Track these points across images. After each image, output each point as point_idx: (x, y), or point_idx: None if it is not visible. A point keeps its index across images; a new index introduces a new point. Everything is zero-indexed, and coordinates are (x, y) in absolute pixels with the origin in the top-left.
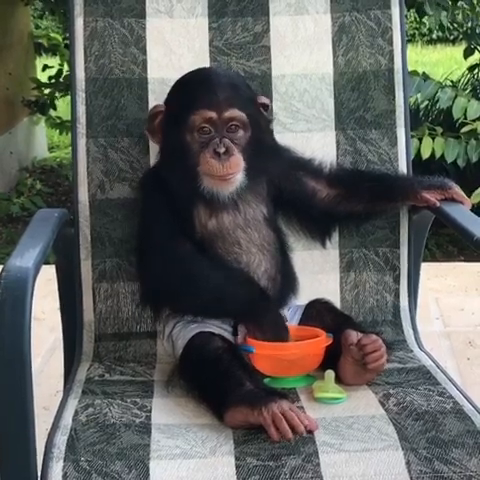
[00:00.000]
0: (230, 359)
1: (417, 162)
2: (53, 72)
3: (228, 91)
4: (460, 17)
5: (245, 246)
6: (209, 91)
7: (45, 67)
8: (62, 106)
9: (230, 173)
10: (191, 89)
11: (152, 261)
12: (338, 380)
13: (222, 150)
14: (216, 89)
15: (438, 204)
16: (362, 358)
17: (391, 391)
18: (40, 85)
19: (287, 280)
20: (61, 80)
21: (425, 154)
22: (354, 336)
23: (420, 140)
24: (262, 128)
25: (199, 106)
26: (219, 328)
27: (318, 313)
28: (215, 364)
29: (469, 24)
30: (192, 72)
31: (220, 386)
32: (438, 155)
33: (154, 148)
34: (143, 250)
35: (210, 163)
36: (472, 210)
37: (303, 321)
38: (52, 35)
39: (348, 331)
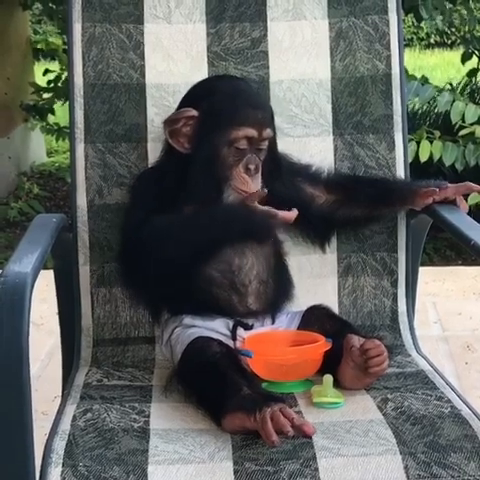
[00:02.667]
0: (228, 364)
1: (415, 165)
2: (53, 76)
3: (267, 110)
4: (457, 21)
5: (238, 248)
6: (253, 108)
7: (46, 71)
8: (60, 110)
9: (256, 190)
10: (234, 102)
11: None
12: (336, 384)
13: (253, 167)
14: (258, 107)
15: (438, 198)
16: (364, 362)
17: (389, 396)
18: (39, 89)
19: (281, 284)
20: (59, 85)
21: (423, 157)
22: (356, 340)
23: (418, 143)
24: (276, 145)
25: (243, 123)
26: (218, 333)
27: (317, 319)
28: (213, 369)
29: (467, 28)
30: (224, 80)
31: (218, 391)
32: (436, 158)
33: (153, 153)
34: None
35: (244, 179)
36: (469, 214)
37: (302, 327)
38: (50, 39)
39: (350, 335)
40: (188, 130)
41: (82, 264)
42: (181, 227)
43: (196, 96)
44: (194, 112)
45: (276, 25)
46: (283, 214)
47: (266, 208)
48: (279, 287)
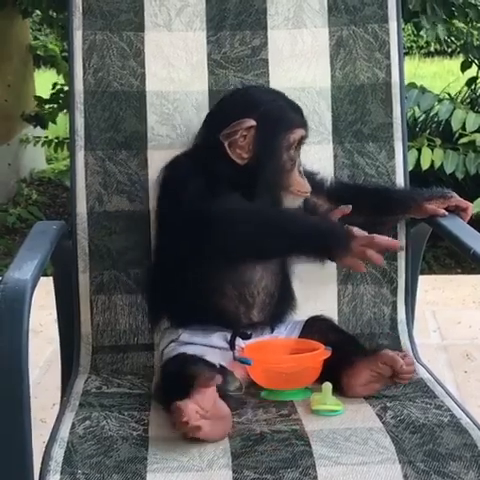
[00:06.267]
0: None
1: (415, 173)
2: (57, 87)
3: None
4: (455, 33)
5: (249, 262)
6: (296, 110)
7: (55, 85)
8: (61, 120)
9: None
10: (284, 108)
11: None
12: (337, 392)
13: (302, 168)
14: (299, 108)
15: (447, 214)
16: (391, 374)
17: (388, 404)
18: (42, 102)
19: (285, 297)
20: (61, 94)
21: (425, 165)
22: (400, 359)
23: (419, 151)
24: None
25: (296, 125)
26: (214, 348)
27: (318, 330)
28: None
29: (464, 39)
30: (258, 89)
31: None
32: (437, 166)
33: (153, 160)
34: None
35: (300, 182)
36: (471, 223)
37: (303, 337)
38: (50, 46)
39: (393, 354)
40: (244, 141)
41: (81, 271)
42: (263, 219)
43: (243, 108)
44: (253, 122)
45: (276, 33)
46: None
47: (347, 227)
48: (283, 300)
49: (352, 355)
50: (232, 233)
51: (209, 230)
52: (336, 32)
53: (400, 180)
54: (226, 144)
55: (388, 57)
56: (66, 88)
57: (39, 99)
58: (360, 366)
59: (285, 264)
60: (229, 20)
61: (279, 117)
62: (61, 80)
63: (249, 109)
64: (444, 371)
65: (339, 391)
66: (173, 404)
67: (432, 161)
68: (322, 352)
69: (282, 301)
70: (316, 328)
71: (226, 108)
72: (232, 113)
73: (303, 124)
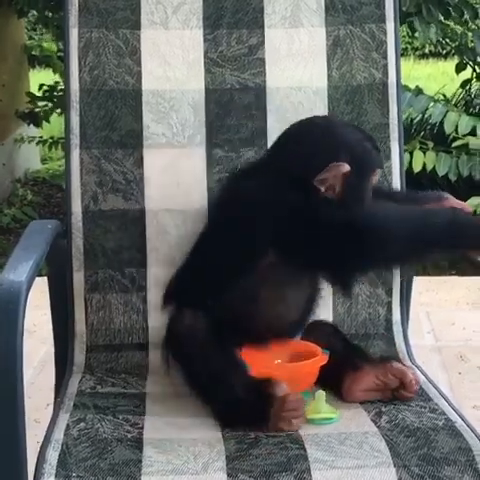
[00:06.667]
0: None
1: (407, 175)
2: (49, 86)
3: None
4: (450, 34)
5: (290, 300)
6: (378, 149)
7: (41, 86)
8: (55, 119)
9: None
10: (368, 148)
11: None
12: (337, 393)
13: None
14: (377, 146)
15: None
16: (398, 386)
17: (383, 408)
18: (34, 99)
19: (304, 321)
20: (55, 93)
21: (416, 167)
22: (410, 374)
23: (411, 154)
24: None
25: (377, 166)
26: None
27: (318, 335)
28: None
29: (459, 40)
30: (347, 128)
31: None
32: (429, 169)
33: (149, 159)
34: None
35: None
36: None
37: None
38: (45, 45)
39: (403, 368)
40: (334, 182)
41: (76, 270)
42: (409, 217)
43: (331, 148)
44: (347, 167)
45: (273, 32)
46: None
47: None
48: (301, 323)
49: (356, 360)
50: (390, 237)
51: (362, 237)
52: (333, 32)
53: (396, 180)
54: (323, 189)
55: (385, 57)
56: (60, 87)
57: (31, 96)
58: (365, 372)
59: (316, 291)
60: (226, 18)
61: (367, 160)
62: (54, 80)
63: (338, 151)
64: (438, 372)
65: (337, 395)
66: (283, 396)
67: (424, 164)
68: (320, 358)
69: (300, 324)
70: (316, 332)
71: (313, 146)
72: (321, 154)
73: (382, 164)
